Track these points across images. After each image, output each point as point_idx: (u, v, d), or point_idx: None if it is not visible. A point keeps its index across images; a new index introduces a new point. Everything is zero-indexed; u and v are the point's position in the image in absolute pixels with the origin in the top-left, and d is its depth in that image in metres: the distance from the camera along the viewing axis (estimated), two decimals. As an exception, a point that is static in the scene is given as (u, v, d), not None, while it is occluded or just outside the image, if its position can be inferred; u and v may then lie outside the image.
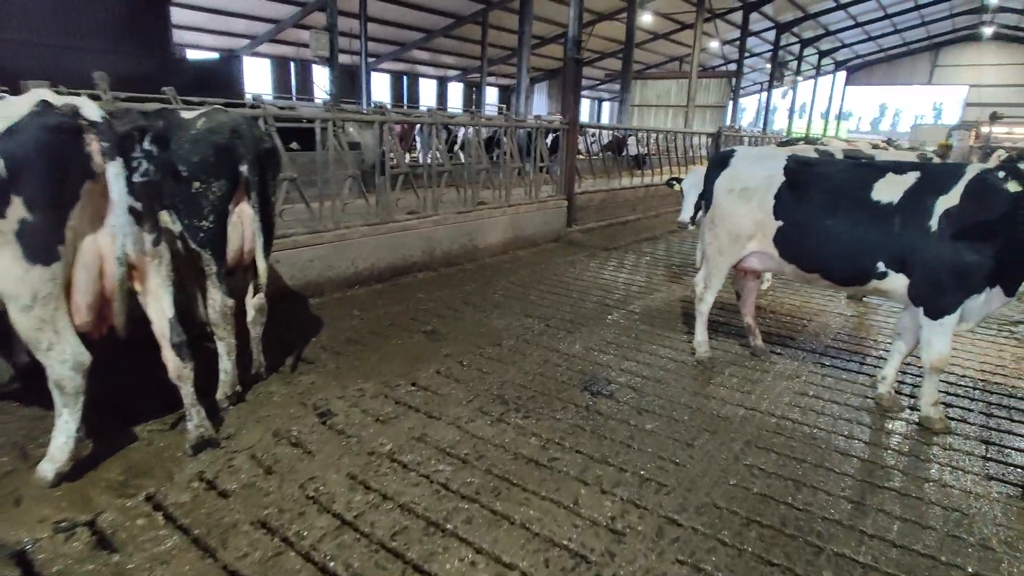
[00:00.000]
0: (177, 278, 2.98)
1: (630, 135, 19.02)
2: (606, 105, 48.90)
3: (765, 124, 39.04)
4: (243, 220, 3.31)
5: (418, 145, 16.70)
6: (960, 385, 4.24)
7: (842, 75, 56.95)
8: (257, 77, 27.56)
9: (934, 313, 3.41)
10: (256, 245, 3.30)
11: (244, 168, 3.21)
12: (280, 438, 3.20)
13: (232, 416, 3.39)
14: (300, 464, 2.97)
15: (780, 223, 3.92)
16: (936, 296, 3.39)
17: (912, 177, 3.53)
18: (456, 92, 36.96)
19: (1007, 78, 53.30)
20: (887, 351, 4.80)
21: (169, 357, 2.81)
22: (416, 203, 6.89)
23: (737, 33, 33.41)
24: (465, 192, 7.35)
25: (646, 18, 27.78)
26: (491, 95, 36.80)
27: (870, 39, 47.12)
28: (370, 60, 26.39)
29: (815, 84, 50.24)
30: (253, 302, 3.62)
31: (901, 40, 50.91)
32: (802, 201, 3.83)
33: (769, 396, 3.95)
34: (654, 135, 13.17)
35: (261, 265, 3.35)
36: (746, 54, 32.00)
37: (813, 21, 37.24)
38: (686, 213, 5.35)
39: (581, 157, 22.95)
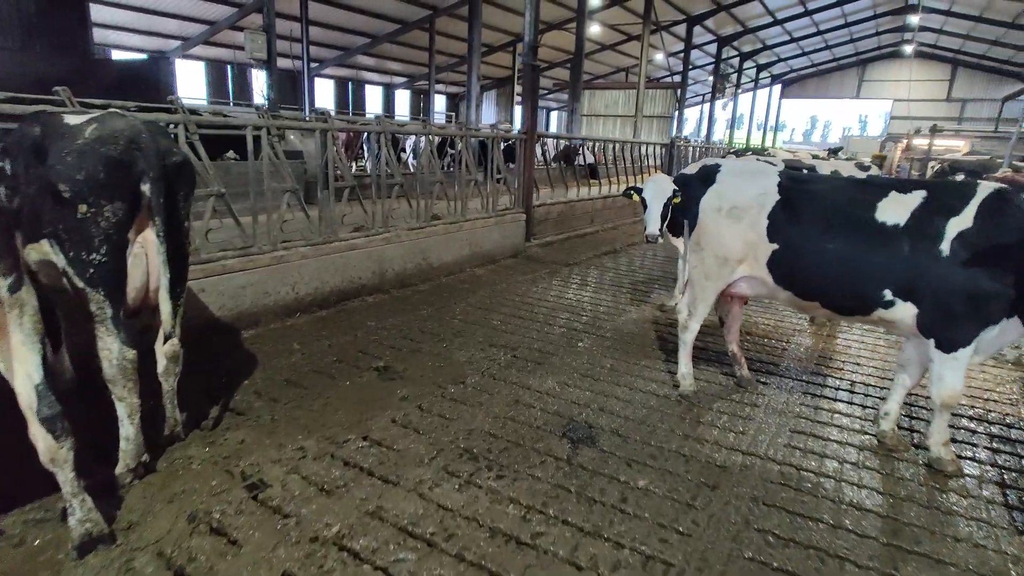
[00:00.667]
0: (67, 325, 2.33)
1: (579, 144, 18.88)
2: (554, 115, 49.10)
3: (708, 135, 40.01)
4: (147, 251, 2.67)
5: (365, 154, 15.99)
6: (956, 415, 3.98)
7: (778, 88, 59.26)
8: (191, 81, 26.08)
9: (947, 346, 3.10)
10: (161, 283, 2.64)
11: (146, 187, 2.57)
12: (198, 523, 2.56)
13: (136, 495, 2.72)
14: (222, 563, 2.35)
15: (775, 246, 3.55)
16: (949, 327, 3.08)
17: (918, 197, 3.22)
18: (404, 99, 36.21)
19: (927, 93, 56.64)
20: (874, 377, 4.56)
21: (38, 436, 2.15)
22: (364, 218, 6.27)
23: (681, 46, 34.12)
24: (417, 206, 6.78)
25: (594, 28, 27.89)
26: (439, 103, 36.23)
27: (804, 54, 49.22)
28: (313, 65, 25.38)
29: (754, 96, 51.98)
30: (164, 349, 2.96)
31: (831, 56, 53.43)
32: (799, 222, 3.47)
33: (765, 437, 3.57)
34: (610, 145, 12.93)
35: (164, 308, 2.69)
36: (690, 66, 32.64)
37: (752, 35, 38.46)
38: (653, 225, 4.94)
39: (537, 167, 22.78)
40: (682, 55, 32.92)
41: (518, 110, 45.61)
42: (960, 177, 10.33)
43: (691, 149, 16.70)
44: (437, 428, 3.50)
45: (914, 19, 42.36)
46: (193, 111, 5.34)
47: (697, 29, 32.27)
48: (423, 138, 6.90)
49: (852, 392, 4.31)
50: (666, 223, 4.97)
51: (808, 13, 35.23)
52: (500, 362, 4.54)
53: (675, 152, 13.98)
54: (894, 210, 3.22)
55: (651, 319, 5.79)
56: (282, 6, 17.62)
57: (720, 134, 50.97)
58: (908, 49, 54.17)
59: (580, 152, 18.06)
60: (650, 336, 5.33)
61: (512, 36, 28.64)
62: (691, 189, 4.01)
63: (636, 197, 5.29)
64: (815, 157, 21.03)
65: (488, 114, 36.94)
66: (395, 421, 3.56)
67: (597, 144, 26.38)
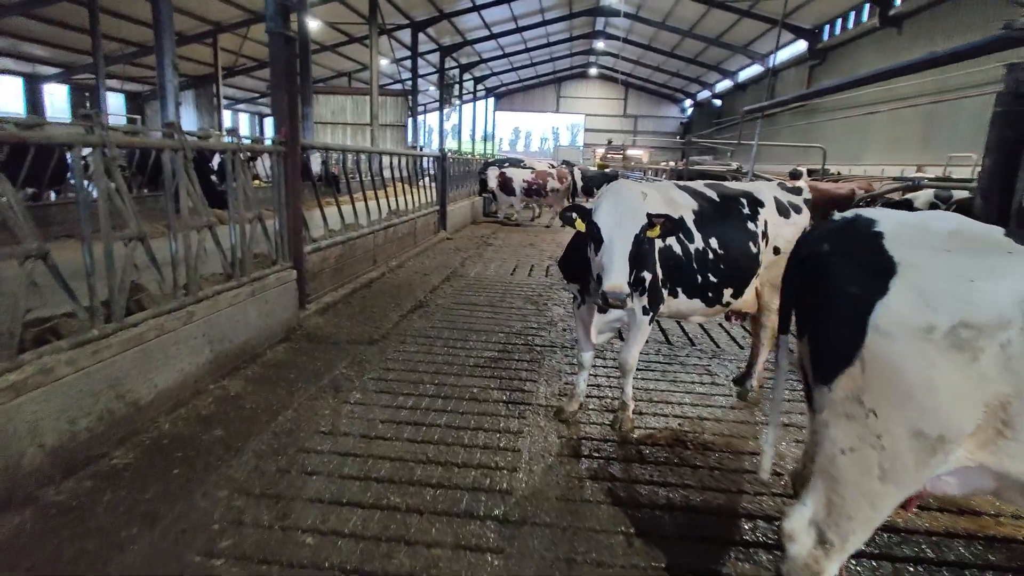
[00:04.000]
0: None
1: (315, 153, 15.70)
2: (269, 120, 43.36)
3: (441, 144, 39.53)
4: None
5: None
6: None
7: (491, 101, 62.66)
8: None
9: None
10: None
11: None
12: None
13: None
14: None
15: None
16: None
17: None
18: (59, 96, 27.22)
19: (609, 109, 65.87)
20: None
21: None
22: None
23: (406, 52, 32.64)
24: (92, 296, 3.34)
25: (313, 25, 24.45)
26: (114, 102, 28.21)
27: (513, 69, 52.55)
28: None
29: (474, 108, 53.68)
30: None
31: (535, 73, 58.33)
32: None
33: None
34: (349, 156, 10.27)
35: None
36: (418, 74, 31.35)
37: (471, 48, 39.03)
38: (618, 276, 2.76)
39: (257, 184, 18.50)
40: (408, 62, 31.46)
41: (227, 117, 38.89)
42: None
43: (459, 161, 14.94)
44: None
45: (600, 44, 48.26)
46: None
47: (422, 38, 31.12)
48: (98, 152, 3.40)
49: None
50: (634, 275, 2.89)
51: (519, 30, 36.99)
52: None
53: (447, 165, 12.00)
54: None
55: (588, 476, 3.47)
56: None
57: (438, 143, 51.43)
58: (593, 71, 62.26)
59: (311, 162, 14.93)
60: (615, 547, 3.05)
61: (210, 24, 23.44)
62: (836, 279, 1.82)
63: (580, 223, 3.03)
64: (552, 166, 21.35)
65: (187, 120, 30.28)
66: None
67: (333, 155, 23.33)
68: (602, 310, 2.93)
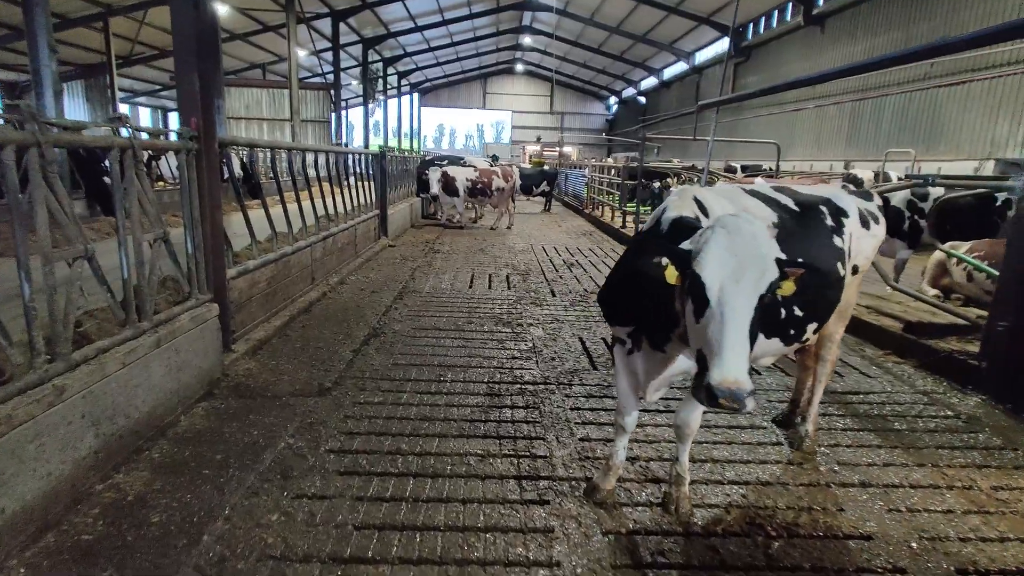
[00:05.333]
0: None
1: (242, 152, 13.97)
2: (173, 116, 39.89)
3: (366, 141, 37.70)
4: None
5: None
6: None
7: (416, 97, 60.90)
8: None
9: None
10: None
11: None
12: None
13: None
14: None
15: None
16: None
17: None
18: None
19: (535, 106, 65.68)
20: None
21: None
22: None
23: (326, 43, 30.67)
24: None
25: (222, 11, 22.22)
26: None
27: (438, 64, 51.08)
28: None
29: (399, 103, 51.89)
30: None
31: (461, 68, 57.10)
32: None
33: None
34: (261, 154, 8.89)
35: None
36: (340, 67, 29.49)
37: (394, 40, 37.40)
38: (738, 362, 1.75)
39: (161, 186, 16.37)
40: (329, 54, 29.54)
41: (125, 111, 35.14)
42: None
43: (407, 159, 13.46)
44: None
45: (527, 40, 47.71)
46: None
47: (343, 29, 29.29)
48: None
49: None
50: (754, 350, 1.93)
51: (445, 23, 35.74)
52: None
53: (386, 165, 10.75)
54: None
55: None
56: None
57: (360, 140, 49.26)
58: (519, 67, 61.76)
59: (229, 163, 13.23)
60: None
61: (99, 6, 20.75)
62: None
63: (673, 274, 2.04)
64: (494, 162, 20.39)
65: (75, 114, 26.99)
66: None
67: (245, 152, 21.47)
68: (708, 402, 1.87)
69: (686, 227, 2.24)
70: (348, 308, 6.40)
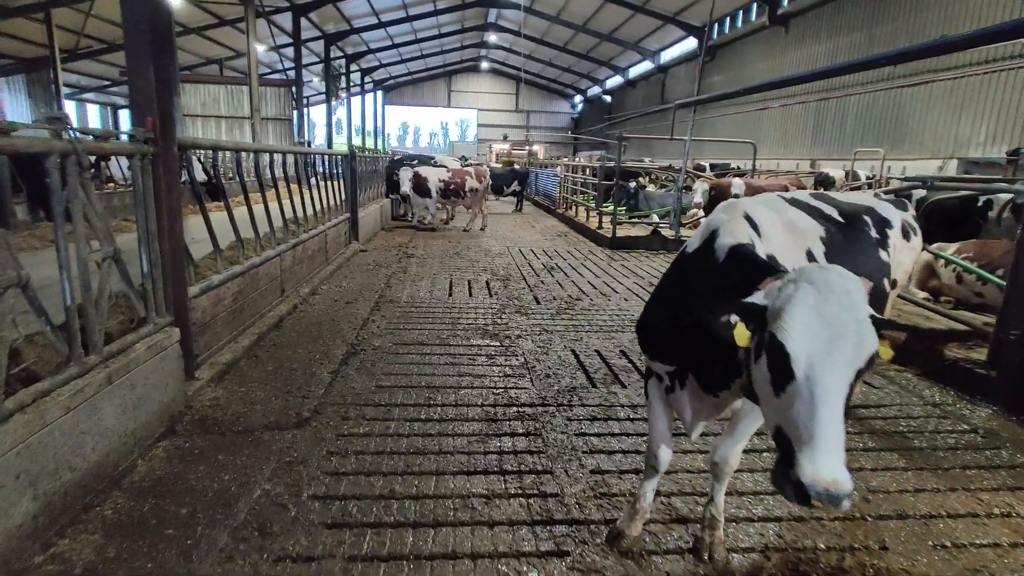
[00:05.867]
0: None
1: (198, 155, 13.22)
2: (124, 113, 38.25)
3: (329, 140, 36.79)
4: None
5: None
6: None
7: (380, 94, 59.89)
8: None
9: None
10: None
11: None
12: None
13: None
14: None
15: None
16: None
17: None
18: None
19: (501, 104, 65.38)
20: None
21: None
22: None
23: (287, 39, 29.72)
24: None
25: (175, 2, 21.18)
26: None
27: (402, 61, 50.25)
28: None
29: (362, 101, 50.90)
30: None
31: (425, 66, 56.34)
32: None
33: None
34: (223, 155, 8.35)
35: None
36: (302, 64, 28.58)
37: (357, 37, 36.58)
38: (834, 455, 1.32)
39: (112, 188, 15.41)
40: (290, 50, 28.60)
41: (71, 109, 33.30)
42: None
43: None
44: None
45: (492, 37, 47.31)
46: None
47: (305, 24, 28.42)
48: None
49: None
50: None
51: (410, 19, 35.10)
52: None
53: (356, 165, 10.25)
54: None
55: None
56: None
57: (322, 139, 48.03)
58: (485, 65, 61.35)
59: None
60: None
61: (36, -5, 19.49)
62: None
63: (743, 335, 1.69)
64: (467, 162, 19.97)
65: (17, 112, 25.45)
66: None
67: (205, 154, 20.63)
68: (797, 500, 1.47)
69: (748, 260, 1.90)
70: (323, 322, 5.95)
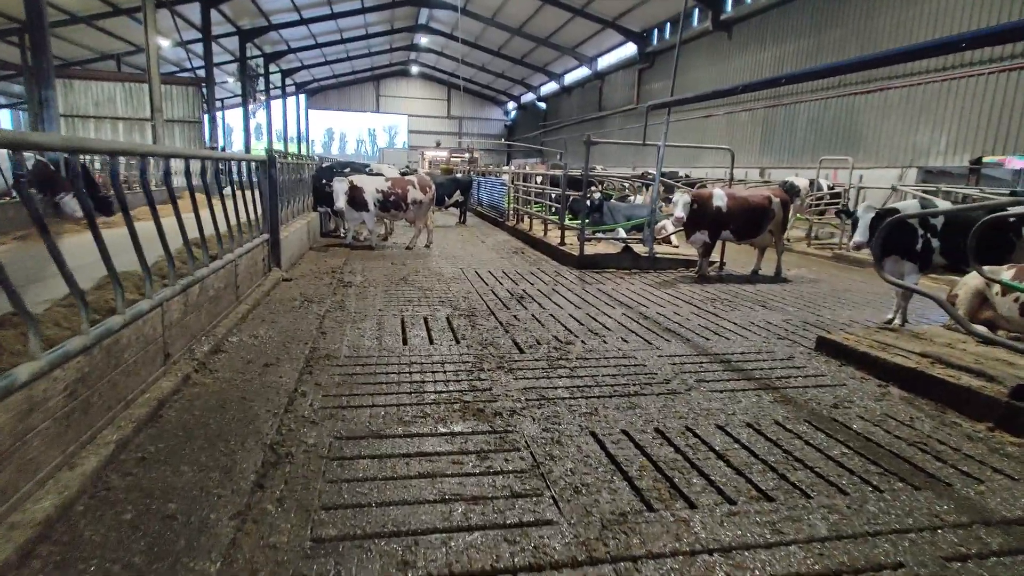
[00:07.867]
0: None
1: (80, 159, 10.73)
2: (4, 113, 33.79)
3: (247, 145, 33.82)
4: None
5: None
6: None
7: (303, 98, 56.77)
8: None
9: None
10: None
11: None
12: None
13: None
14: None
15: None
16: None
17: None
18: None
19: (433, 110, 63.59)
20: None
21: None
22: None
23: (195, 34, 26.77)
24: None
25: (53, -17, 18.20)
26: None
27: (327, 63, 47.52)
28: None
29: (283, 104, 47.78)
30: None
31: (352, 68, 53.74)
32: None
33: None
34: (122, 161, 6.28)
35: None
36: (212, 62, 25.76)
37: (277, 34, 33.88)
38: None
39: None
40: (199, 46, 25.72)
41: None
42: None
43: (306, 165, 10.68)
44: None
45: (423, 39, 45.48)
46: None
47: (217, 18, 25.67)
48: None
49: None
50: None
51: (334, 16, 32.80)
52: None
53: (276, 173, 8.29)
54: None
55: None
56: None
57: (240, 144, 44.56)
58: (415, 69, 59.32)
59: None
60: None
61: None
62: None
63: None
64: (408, 171, 18.12)
65: None
66: None
67: (93, 160, 17.88)
68: None
69: None
70: (227, 403, 4.08)
